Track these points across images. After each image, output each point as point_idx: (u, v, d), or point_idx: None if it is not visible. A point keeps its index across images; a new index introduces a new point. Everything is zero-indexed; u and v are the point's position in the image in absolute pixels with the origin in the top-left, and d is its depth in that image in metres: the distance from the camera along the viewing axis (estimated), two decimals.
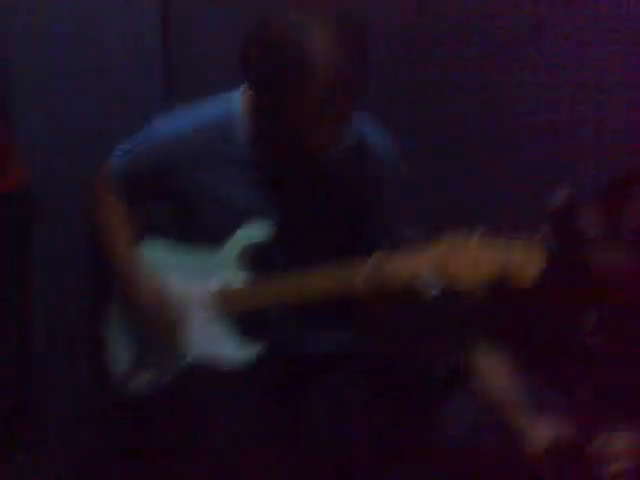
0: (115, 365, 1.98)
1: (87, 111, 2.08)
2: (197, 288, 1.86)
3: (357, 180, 1.79)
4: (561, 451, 1.67)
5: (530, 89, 2.26)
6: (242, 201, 1.79)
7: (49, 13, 2.01)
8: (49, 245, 2.12)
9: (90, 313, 2.11)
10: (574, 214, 1.44)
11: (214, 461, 1.76)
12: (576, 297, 1.75)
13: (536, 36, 2.24)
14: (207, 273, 1.85)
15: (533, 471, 1.71)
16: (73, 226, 2.10)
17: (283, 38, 1.51)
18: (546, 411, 1.77)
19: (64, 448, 2.22)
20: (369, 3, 2.20)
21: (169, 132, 1.81)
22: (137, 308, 1.87)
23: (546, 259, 1.51)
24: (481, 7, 2.27)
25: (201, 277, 1.86)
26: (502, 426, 1.79)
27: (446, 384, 2.01)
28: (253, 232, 1.80)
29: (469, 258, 1.55)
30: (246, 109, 1.75)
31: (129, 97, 2.08)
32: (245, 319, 1.84)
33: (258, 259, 1.82)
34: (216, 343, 1.85)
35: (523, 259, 1.51)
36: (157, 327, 1.86)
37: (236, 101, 1.77)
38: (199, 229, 1.85)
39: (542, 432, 1.72)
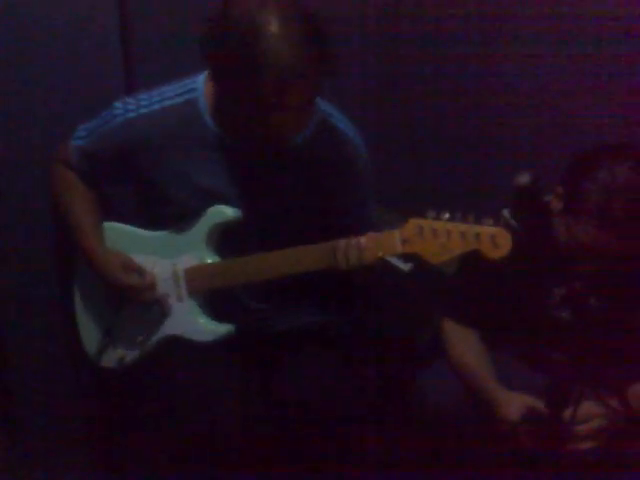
0: (85, 340, 1.99)
1: (45, 93, 2.03)
2: (164, 267, 1.86)
3: (324, 163, 1.79)
4: (533, 422, 1.72)
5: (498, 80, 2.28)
6: (209, 182, 1.79)
7: None
8: (11, 227, 2.09)
9: (57, 290, 2.12)
10: (538, 192, 1.47)
11: (188, 437, 1.79)
12: (541, 271, 1.79)
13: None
14: (174, 253, 1.85)
15: (507, 441, 1.75)
16: (35, 207, 2.07)
17: (236, 30, 1.51)
18: (517, 384, 1.81)
19: (37, 425, 2.22)
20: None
21: (134, 113, 1.78)
22: (107, 279, 1.85)
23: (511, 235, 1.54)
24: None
25: (168, 257, 1.86)
26: (476, 397, 1.83)
27: (424, 355, 2.05)
28: (222, 212, 1.80)
29: (438, 236, 1.58)
30: (209, 93, 1.74)
31: (89, 79, 2.03)
32: (215, 297, 1.86)
33: (227, 238, 1.83)
34: (186, 320, 1.86)
35: (491, 232, 1.54)
36: (129, 294, 1.86)
37: (200, 84, 1.76)
38: (164, 210, 1.84)
39: (513, 404, 1.75)
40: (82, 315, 2.00)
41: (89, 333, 1.98)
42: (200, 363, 1.84)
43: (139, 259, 1.87)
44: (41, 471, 2.21)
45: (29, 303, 2.13)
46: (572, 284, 1.58)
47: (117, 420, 2.14)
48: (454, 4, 2.29)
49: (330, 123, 1.79)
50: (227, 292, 1.85)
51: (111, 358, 1.94)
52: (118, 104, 1.82)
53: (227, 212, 1.80)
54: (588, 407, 1.73)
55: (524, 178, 1.41)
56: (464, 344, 1.90)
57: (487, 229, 1.55)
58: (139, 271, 1.85)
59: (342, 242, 1.67)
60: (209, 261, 1.83)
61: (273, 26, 1.50)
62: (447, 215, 1.58)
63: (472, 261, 1.59)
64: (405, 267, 1.65)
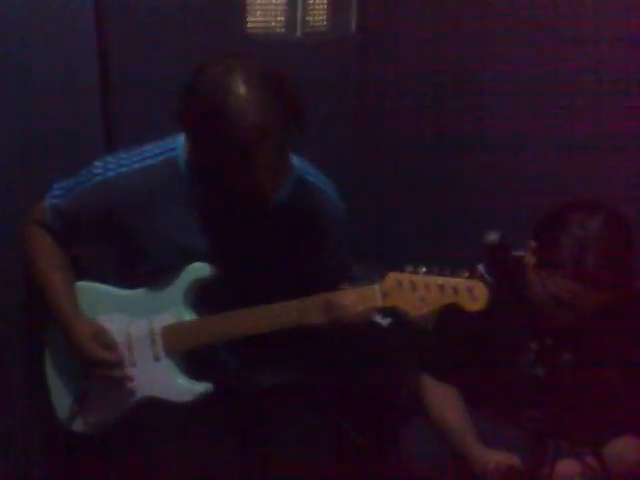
0: (56, 404, 1.94)
1: (20, 150, 2.03)
2: (141, 326, 1.84)
3: (302, 220, 1.81)
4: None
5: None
6: (187, 240, 1.79)
7: None
8: None
9: (27, 351, 2.07)
10: (507, 249, 1.50)
11: None
12: (516, 327, 1.80)
13: None
14: (151, 311, 1.84)
15: None
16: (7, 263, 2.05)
17: (204, 95, 1.56)
18: (495, 441, 1.81)
19: None
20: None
21: (114, 172, 1.80)
22: (76, 349, 1.83)
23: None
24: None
25: (144, 315, 1.84)
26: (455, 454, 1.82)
27: (404, 411, 2.04)
28: (200, 270, 1.80)
29: (417, 289, 1.60)
30: (188, 153, 1.76)
31: (67, 138, 2.05)
32: (193, 355, 1.84)
33: (205, 296, 1.82)
34: (163, 381, 1.83)
35: (468, 285, 1.57)
36: (99, 367, 1.82)
37: (180, 144, 1.78)
38: (142, 268, 1.84)
39: (491, 462, 1.74)
40: (53, 378, 1.95)
41: (60, 396, 1.94)
42: (179, 424, 1.81)
43: (115, 318, 1.85)
44: None
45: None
46: (544, 340, 1.60)
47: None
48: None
49: (306, 180, 1.82)
50: (206, 350, 1.83)
51: (83, 422, 1.90)
52: (98, 163, 1.83)
53: (205, 269, 1.80)
54: (565, 466, 1.72)
55: (492, 237, 1.44)
56: (442, 400, 1.90)
57: (464, 282, 1.58)
58: (110, 346, 1.83)
59: (321, 297, 1.68)
60: (187, 319, 1.82)
61: (239, 88, 1.55)
62: (424, 269, 1.61)
63: (449, 318, 1.60)
64: (384, 322, 1.67)
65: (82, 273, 1.92)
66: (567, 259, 1.68)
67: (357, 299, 1.66)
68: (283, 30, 2.81)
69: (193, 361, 1.84)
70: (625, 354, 1.80)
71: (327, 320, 1.67)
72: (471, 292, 1.57)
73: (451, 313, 1.58)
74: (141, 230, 1.80)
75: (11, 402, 2.12)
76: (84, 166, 1.85)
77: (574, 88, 2.26)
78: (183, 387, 1.82)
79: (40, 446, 2.16)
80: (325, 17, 2.89)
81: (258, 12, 2.75)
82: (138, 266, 1.85)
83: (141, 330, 1.84)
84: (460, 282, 1.58)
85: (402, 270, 1.62)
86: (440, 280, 1.59)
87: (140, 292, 1.86)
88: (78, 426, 1.91)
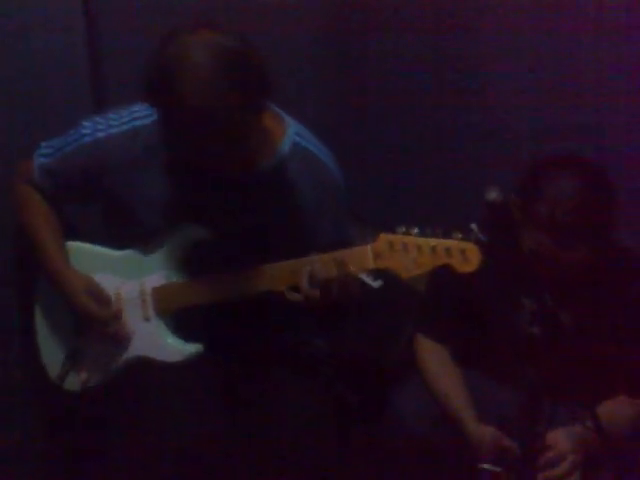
0: (47, 362, 1.94)
1: (6, 107, 2.01)
2: (130, 287, 1.84)
3: (296, 186, 1.80)
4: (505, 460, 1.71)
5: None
6: (177, 202, 1.78)
7: None
8: None
9: (18, 308, 2.07)
10: (507, 206, 1.51)
11: (158, 459, 1.76)
12: (512, 285, 1.81)
13: None
14: (141, 272, 1.84)
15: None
16: None
17: (166, 69, 1.55)
18: (488, 403, 1.83)
19: None
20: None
21: (103, 133, 1.78)
22: (69, 304, 1.82)
23: (480, 250, 1.57)
24: None
25: (134, 277, 1.84)
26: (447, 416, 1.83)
27: (397, 372, 2.05)
28: (189, 232, 1.79)
29: (409, 251, 1.60)
30: None
31: (53, 97, 2.02)
32: (183, 316, 1.83)
33: (196, 258, 1.82)
34: (153, 341, 1.83)
35: (459, 246, 1.56)
36: (92, 323, 1.82)
37: None
38: (132, 229, 1.83)
39: (485, 439, 1.75)
40: (44, 336, 1.95)
41: (51, 355, 1.93)
42: (168, 384, 1.81)
43: (105, 278, 1.85)
44: None
45: None
46: (542, 299, 1.61)
47: (81, 445, 2.09)
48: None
49: (302, 146, 1.80)
50: (195, 311, 1.83)
51: (75, 381, 1.89)
52: (87, 123, 1.81)
53: (196, 231, 1.79)
54: (557, 437, 1.73)
55: (493, 194, 1.44)
56: (437, 362, 1.91)
57: (457, 243, 1.57)
58: (104, 300, 1.82)
59: (312, 258, 1.68)
60: (177, 280, 1.82)
61: (195, 55, 1.53)
62: (417, 230, 1.60)
63: (443, 277, 1.61)
64: (375, 284, 1.66)
65: (71, 233, 1.91)
66: (541, 213, 1.69)
67: (348, 260, 1.65)
68: None
69: (184, 322, 1.84)
70: (616, 314, 1.80)
71: (318, 280, 1.65)
72: (464, 254, 1.56)
73: (445, 272, 1.58)
74: (130, 192, 1.79)
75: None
76: (72, 124, 1.83)
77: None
78: (173, 347, 1.82)
79: (37, 411, 2.15)
80: None
81: None
82: (127, 227, 1.84)
83: (131, 290, 1.84)
84: (453, 244, 1.57)
85: (394, 231, 1.61)
86: (432, 241, 1.58)
87: (130, 253, 1.85)
88: (69, 384, 1.90)
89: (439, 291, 1.82)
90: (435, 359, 1.92)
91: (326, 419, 1.87)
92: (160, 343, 1.83)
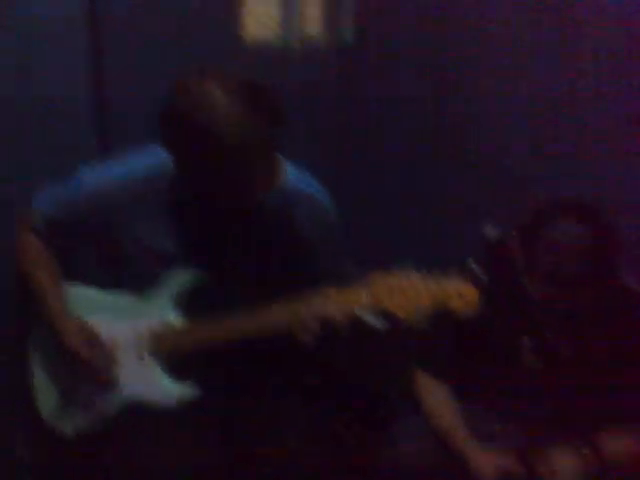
0: (41, 404, 1.92)
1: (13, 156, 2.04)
2: (127, 330, 1.84)
3: (292, 224, 1.82)
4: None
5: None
6: (176, 245, 1.80)
7: None
8: None
9: (15, 352, 2.06)
10: (504, 245, 1.50)
11: None
12: (510, 323, 1.82)
13: None
14: (137, 316, 1.84)
15: None
16: None
17: (188, 107, 1.57)
18: (490, 438, 1.82)
19: None
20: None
21: (102, 181, 1.81)
22: (64, 349, 1.82)
23: (478, 289, 1.56)
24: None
25: (131, 319, 1.84)
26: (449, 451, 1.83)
27: (395, 409, 2.04)
28: (186, 276, 1.81)
29: (405, 292, 1.59)
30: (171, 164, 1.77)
31: (58, 144, 2.05)
32: (178, 358, 1.83)
33: (192, 301, 1.82)
34: (148, 383, 1.83)
35: (457, 288, 1.56)
36: (85, 367, 1.82)
37: (164, 153, 1.76)
38: (129, 273, 1.84)
39: (486, 464, 1.76)
40: (39, 377, 1.93)
41: (45, 396, 1.92)
42: (163, 426, 1.81)
43: (102, 321, 1.85)
44: None
45: None
46: (540, 334, 1.60)
47: None
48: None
49: (297, 186, 1.82)
50: (191, 353, 1.82)
51: (68, 423, 1.89)
52: (85, 170, 1.85)
53: (192, 274, 1.80)
54: (561, 456, 1.72)
55: (491, 230, 1.43)
56: (437, 397, 1.91)
57: (454, 285, 1.57)
58: (98, 345, 1.82)
59: (311, 299, 1.68)
60: (174, 323, 1.82)
61: (215, 95, 1.56)
62: (415, 271, 1.60)
63: (443, 313, 1.59)
64: (378, 324, 1.65)
65: (70, 275, 1.91)
66: (544, 259, 1.71)
67: (347, 300, 1.65)
68: (279, 41, 2.83)
69: (178, 364, 1.83)
70: (619, 349, 1.81)
71: (315, 322, 1.65)
72: (462, 296, 1.56)
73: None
74: (129, 236, 1.81)
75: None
76: (72, 171, 1.86)
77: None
78: (167, 389, 1.81)
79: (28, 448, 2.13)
80: (320, 28, 2.91)
81: (253, 23, 2.77)
82: (125, 270, 1.85)
83: (127, 333, 1.84)
84: (451, 286, 1.57)
85: (391, 272, 1.61)
86: (430, 283, 1.58)
87: (127, 295, 1.86)
88: (62, 426, 1.89)
89: (439, 328, 1.80)
90: (435, 395, 1.92)
91: (324, 454, 1.85)
92: (154, 386, 1.82)
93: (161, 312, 1.82)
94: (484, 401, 1.91)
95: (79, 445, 1.89)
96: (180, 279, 1.81)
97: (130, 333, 1.83)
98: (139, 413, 1.82)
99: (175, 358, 1.83)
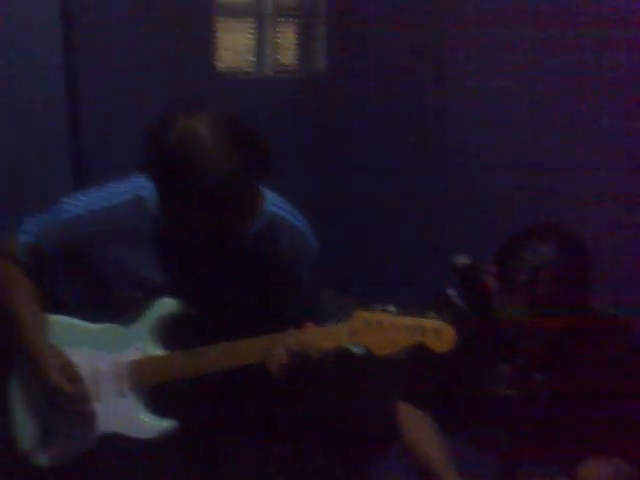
0: (19, 435, 1.91)
1: None
2: (107, 361, 1.83)
3: (272, 256, 1.83)
4: None
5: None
6: (156, 275, 1.80)
7: None
8: None
9: None
10: (476, 271, 1.54)
11: None
12: (486, 349, 1.83)
13: None
14: (117, 346, 1.83)
15: None
16: None
17: (170, 144, 1.59)
18: (469, 465, 1.82)
19: None
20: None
21: (81, 210, 1.81)
22: (43, 381, 1.80)
23: (455, 316, 1.59)
24: None
25: (111, 350, 1.84)
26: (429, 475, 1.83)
27: (378, 442, 2.04)
28: (167, 306, 1.80)
29: (384, 328, 1.62)
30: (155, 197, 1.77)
31: (37, 175, 2.05)
32: (158, 392, 1.82)
33: (172, 332, 1.82)
34: (126, 417, 1.82)
35: (435, 327, 1.59)
36: (64, 400, 1.81)
37: (146, 183, 1.77)
38: (110, 303, 1.84)
39: None
40: (17, 409, 1.92)
41: (24, 428, 1.91)
42: (141, 460, 1.80)
43: (83, 352, 1.84)
44: None
45: None
46: (516, 361, 1.61)
47: None
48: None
49: (279, 216, 1.83)
50: (171, 386, 1.82)
51: (46, 456, 1.87)
52: (67, 200, 1.84)
53: (172, 305, 1.80)
54: None
55: (461, 260, 1.47)
56: (418, 426, 1.92)
57: (431, 322, 1.60)
58: (77, 378, 1.81)
59: (288, 334, 1.69)
60: (153, 354, 1.81)
61: (202, 133, 1.58)
62: (392, 308, 1.63)
63: (419, 352, 1.62)
64: (358, 350, 1.68)
65: (51, 306, 1.90)
66: (520, 283, 1.72)
67: (324, 337, 1.67)
68: (253, 69, 2.86)
69: (158, 397, 1.83)
70: (592, 377, 1.81)
71: (293, 358, 1.67)
72: (438, 333, 1.59)
73: None
74: (108, 265, 1.81)
75: None
76: (53, 201, 1.85)
77: None
78: (146, 424, 1.81)
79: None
80: (294, 56, 2.95)
81: (228, 51, 2.80)
82: (105, 300, 1.84)
83: (107, 364, 1.83)
84: (427, 323, 1.59)
85: (370, 309, 1.64)
86: (407, 320, 1.60)
87: (107, 326, 1.86)
88: (40, 459, 1.88)
89: (419, 359, 1.82)
90: (418, 424, 1.92)
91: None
92: (133, 419, 1.81)
93: (142, 343, 1.82)
94: (465, 431, 1.92)
95: (55, 478, 1.88)
96: (161, 309, 1.80)
97: (111, 365, 1.83)
98: (118, 448, 1.82)
99: (155, 391, 1.82)
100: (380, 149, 2.61)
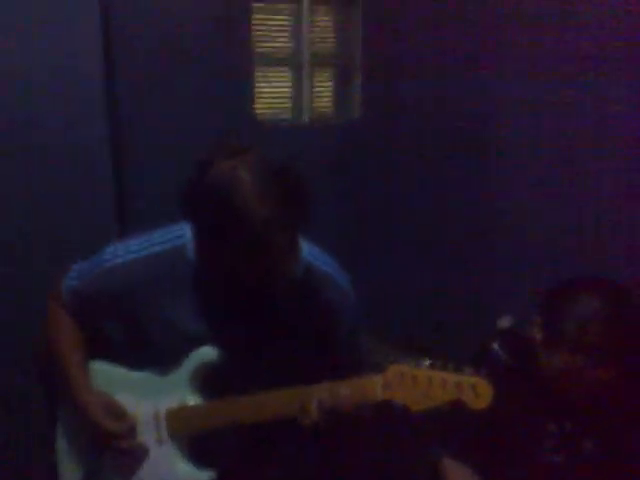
0: (65, 478, 1.94)
1: (43, 234, 2.09)
2: (148, 409, 1.86)
3: (310, 307, 1.83)
4: None
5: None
6: (194, 325, 1.82)
7: None
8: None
9: (41, 430, 2.08)
10: (519, 332, 1.52)
11: None
12: (533, 407, 1.80)
13: None
14: (157, 394, 1.86)
15: None
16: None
17: (212, 191, 1.60)
18: None
19: None
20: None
21: (122, 259, 1.84)
22: (88, 421, 1.84)
23: (498, 370, 1.57)
24: None
25: (150, 398, 1.86)
26: None
27: None
28: (206, 355, 1.82)
29: (419, 383, 1.61)
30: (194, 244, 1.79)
31: (81, 221, 2.10)
32: (198, 441, 1.84)
33: (211, 381, 1.84)
34: (165, 466, 1.84)
35: (472, 383, 1.57)
36: (109, 440, 1.83)
37: (188, 231, 1.81)
38: (151, 351, 1.86)
39: None
40: (63, 456, 1.96)
41: (69, 472, 1.94)
42: None
43: (124, 399, 1.87)
44: None
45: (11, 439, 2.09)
46: (563, 424, 1.58)
47: None
48: None
49: (315, 266, 1.84)
50: (210, 435, 1.84)
51: None
52: (109, 249, 1.88)
53: (211, 354, 1.82)
54: None
55: (504, 322, 1.46)
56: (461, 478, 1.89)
57: (467, 378, 1.58)
58: (120, 416, 1.84)
59: (323, 386, 1.69)
60: (191, 403, 1.83)
61: (246, 181, 1.58)
62: (428, 362, 1.61)
63: (457, 409, 1.61)
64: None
65: (94, 352, 1.94)
66: (569, 335, 1.71)
67: (357, 390, 1.66)
68: (290, 116, 2.90)
69: (197, 446, 1.85)
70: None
71: (324, 412, 1.67)
72: (474, 389, 1.57)
73: None
74: (147, 315, 1.83)
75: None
76: (98, 249, 1.90)
77: None
78: (186, 474, 1.82)
79: None
80: (331, 103, 2.99)
81: (266, 98, 2.84)
82: (145, 349, 1.87)
83: (147, 413, 1.86)
84: (463, 379, 1.58)
85: (405, 363, 1.63)
86: (443, 375, 1.59)
87: (148, 374, 1.88)
88: None
89: (462, 414, 1.82)
90: (459, 477, 1.90)
91: None
92: (172, 469, 1.83)
93: (181, 391, 1.83)
94: None
95: None
96: (200, 357, 1.82)
97: (150, 414, 1.85)
98: None
99: (196, 441, 1.84)
100: (417, 196, 2.62)
